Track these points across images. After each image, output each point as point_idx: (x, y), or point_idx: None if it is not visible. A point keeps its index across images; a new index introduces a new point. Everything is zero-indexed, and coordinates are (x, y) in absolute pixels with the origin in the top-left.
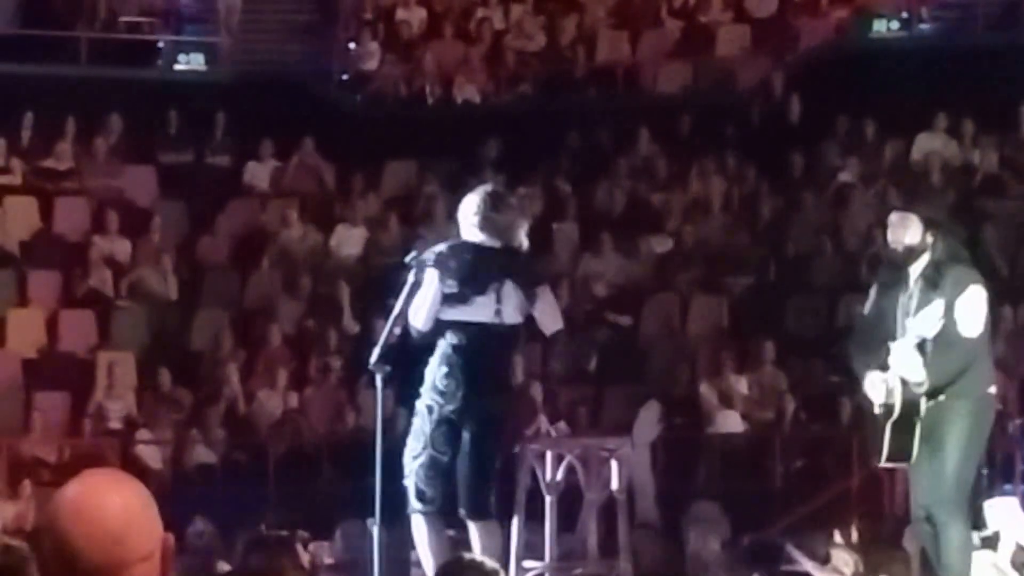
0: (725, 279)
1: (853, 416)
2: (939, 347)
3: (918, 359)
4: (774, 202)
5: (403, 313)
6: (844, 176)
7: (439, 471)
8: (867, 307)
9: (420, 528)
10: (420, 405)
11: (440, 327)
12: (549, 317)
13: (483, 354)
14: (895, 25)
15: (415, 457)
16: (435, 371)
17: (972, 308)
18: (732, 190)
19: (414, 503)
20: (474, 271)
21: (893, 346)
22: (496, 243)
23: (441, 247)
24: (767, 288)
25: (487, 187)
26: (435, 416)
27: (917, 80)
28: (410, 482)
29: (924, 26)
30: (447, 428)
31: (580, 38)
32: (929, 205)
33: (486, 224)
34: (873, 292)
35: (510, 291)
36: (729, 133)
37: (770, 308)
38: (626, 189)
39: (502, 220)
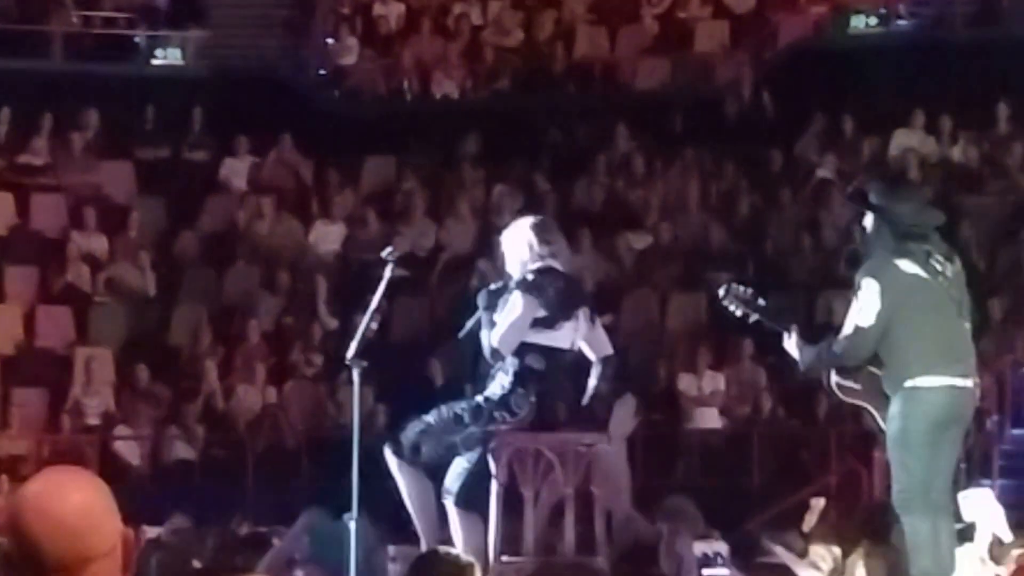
0: (703, 275)
1: (831, 412)
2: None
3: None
4: (752, 198)
5: (380, 308)
6: (822, 172)
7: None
8: None
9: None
10: (483, 406)
11: (520, 348)
12: (601, 342)
13: (559, 381)
14: (873, 21)
15: (447, 438)
16: (508, 388)
17: (862, 298)
18: (710, 186)
19: (408, 454)
20: (566, 298)
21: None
22: (567, 271)
23: (530, 273)
24: (745, 284)
25: (540, 217)
26: (492, 428)
27: (895, 76)
28: (408, 440)
29: (902, 22)
30: (489, 441)
31: (558, 34)
32: (874, 192)
33: (557, 252)
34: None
35: (583, 318)
36: (707, 129)
37: None
38: (604, 185)
39: (563, 244)
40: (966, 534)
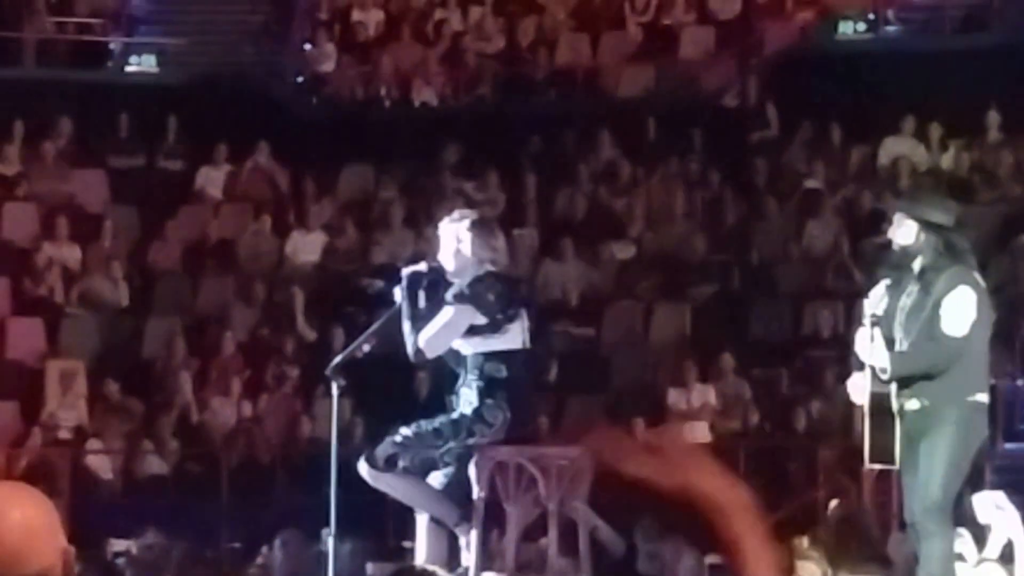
0: (688, 286)
1: (817, 425)
2: (918, 341)
3: (880, 343)
4: (738, 208)
5: (377, 332)
6: (810, 182)
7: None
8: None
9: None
10: (460, 421)
11: (473, 359)
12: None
13: (522, 381)
14: (861, 27)
15: (427, 449)
16: (478, 400)
17: (957, 307)
18: (695, 195)
19: (383, 465)
20: (508, 301)
21: (857, 335)
22: (507, 269)
23: (469, 282)
24: (731, 295)
25: (474, 215)
26: (471, 442)
27: (883, 83)
28: (384, 453)
29: (890, 28)
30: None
31: (540, 40)
32: (925, 205)
33: (497, 257)
34: (882, 292)
35: (525, 314)
36: (692, 137)
37: (734, 316)
38: (587, 194)
39: (504, 246)
40: (980, 536)
